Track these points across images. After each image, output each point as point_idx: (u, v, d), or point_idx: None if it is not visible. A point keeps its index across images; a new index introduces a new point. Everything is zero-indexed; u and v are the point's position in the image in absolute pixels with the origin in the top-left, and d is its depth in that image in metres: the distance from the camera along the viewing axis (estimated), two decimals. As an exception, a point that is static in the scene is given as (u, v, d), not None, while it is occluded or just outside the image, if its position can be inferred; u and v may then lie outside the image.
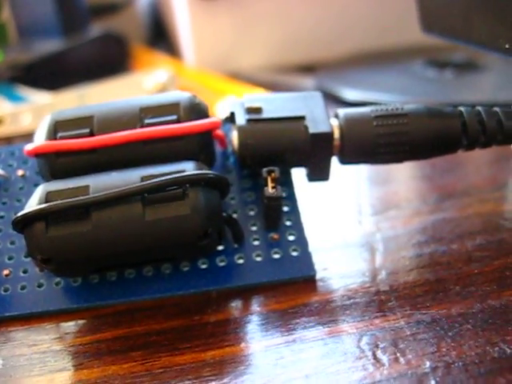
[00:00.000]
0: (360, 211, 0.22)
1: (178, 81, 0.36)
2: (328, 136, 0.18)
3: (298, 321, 0.17)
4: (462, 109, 0.19)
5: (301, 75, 0.41)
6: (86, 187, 0.16)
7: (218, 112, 0.31)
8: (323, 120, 0.19)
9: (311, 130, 0.18)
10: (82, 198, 0.16)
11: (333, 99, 0.36)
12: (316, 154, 0.19)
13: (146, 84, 0.33)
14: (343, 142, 0.19)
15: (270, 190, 0.18)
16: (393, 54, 0.40)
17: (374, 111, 0.19)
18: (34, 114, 0.32)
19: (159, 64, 0.42)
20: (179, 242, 0.17)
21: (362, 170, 0.25)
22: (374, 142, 0.19)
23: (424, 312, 0.17)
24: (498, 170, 0.25)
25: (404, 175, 0.25)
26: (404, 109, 0.19)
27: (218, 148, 0.20)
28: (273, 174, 0.18)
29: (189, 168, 0.17)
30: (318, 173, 0.19)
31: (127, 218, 0.16)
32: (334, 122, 0.19)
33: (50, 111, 0.19)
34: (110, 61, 0.43)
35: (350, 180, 0.24)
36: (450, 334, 0.16)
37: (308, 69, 0.42)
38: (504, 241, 0.20)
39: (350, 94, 0.35)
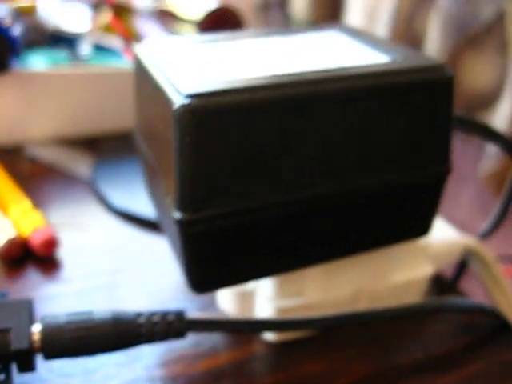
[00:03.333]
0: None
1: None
2: (26, 351, 0.23)
3: None
4: (140, 313, 0.25)
5: (82, 155, 0.45)
6: None
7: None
8: (25, 332, 0.24)
9: (13, 347, 0.23)
10: None
11: (103, 202, 0.40)
12: (19, 360, 0.24)
13: None
14: (43, 345, 0.24)
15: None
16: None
17: (68, 323, 0.24)
18: None
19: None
20: None
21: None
22: (69, 346, 0.24)
23: None
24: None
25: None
26: (93, 317, 0.24)
27: None
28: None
29: None
30: (25, 368, 0.24)
31: None
32: (37, 328, 0.24)
33: None
34: None
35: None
36: None
37: (94, 142, 0.47)
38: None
39: (117, 201, 0.39)
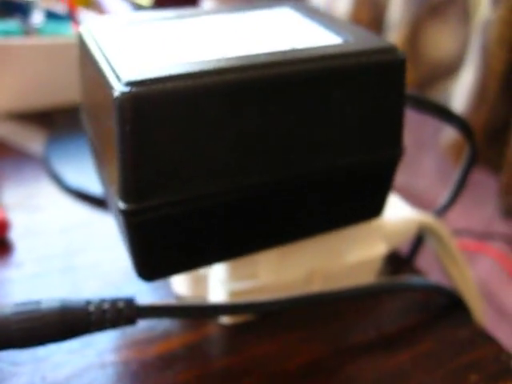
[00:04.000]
0: None
1: None
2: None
3: None
4: (90, 300, 0.25)
5: (34, 131, 0.44)
6: None
7: None
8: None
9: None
10: None
11: (56, 180, 0.39)
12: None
13: None
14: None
15: None
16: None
17: (14, 314, 0.23)
18: None
19: None
20: None
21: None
22: (15, 337, 0.24)
23: None
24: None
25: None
26: (40, 307, 0.24)
27: None
28: None
29: None
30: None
31: None
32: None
33: None
34: None
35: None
36: None
37: (46, 116, 0.46)
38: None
39: (71, 180, 0.38)
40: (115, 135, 0.21)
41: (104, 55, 0.23)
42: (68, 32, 0.50)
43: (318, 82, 0.23)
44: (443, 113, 0.30)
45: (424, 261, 0.38)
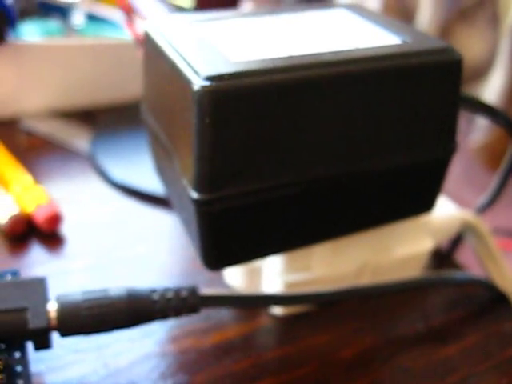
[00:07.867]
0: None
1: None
2: (44, 329, 0.24)
3: None
4: (154, 289, 0.25)
5: (79, 128, 0.45)
6: None
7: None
8: (42, 311, 0.24)
9: (31, 326, 0.23)
10: None
11: (103, 176, 0.40)
12: (36, 338, 0.24)
13: None
14: (60, 323, 0.24)
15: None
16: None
17: (84, 301, 0.24)
18: None
19: None
20: None
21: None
22: (85, 323, 0.24)
23: None
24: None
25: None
26: (109, 295, 0.25)
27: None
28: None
29: None
30: (41, 346, 0.25)
31: None
32: (53, 307, 0.24)
33: None
34: None
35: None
36: None
37: (89, 114, 0.47)
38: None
39: (118, 175, 0.39)
40: (192, 127, 0.22)
41: (177, 52, 0.24)
42: (109, 34, 0.51)
43: (381, 81, 0.24)
44: (489, 111, 0.31)
45: (461, 257, 0.39)
